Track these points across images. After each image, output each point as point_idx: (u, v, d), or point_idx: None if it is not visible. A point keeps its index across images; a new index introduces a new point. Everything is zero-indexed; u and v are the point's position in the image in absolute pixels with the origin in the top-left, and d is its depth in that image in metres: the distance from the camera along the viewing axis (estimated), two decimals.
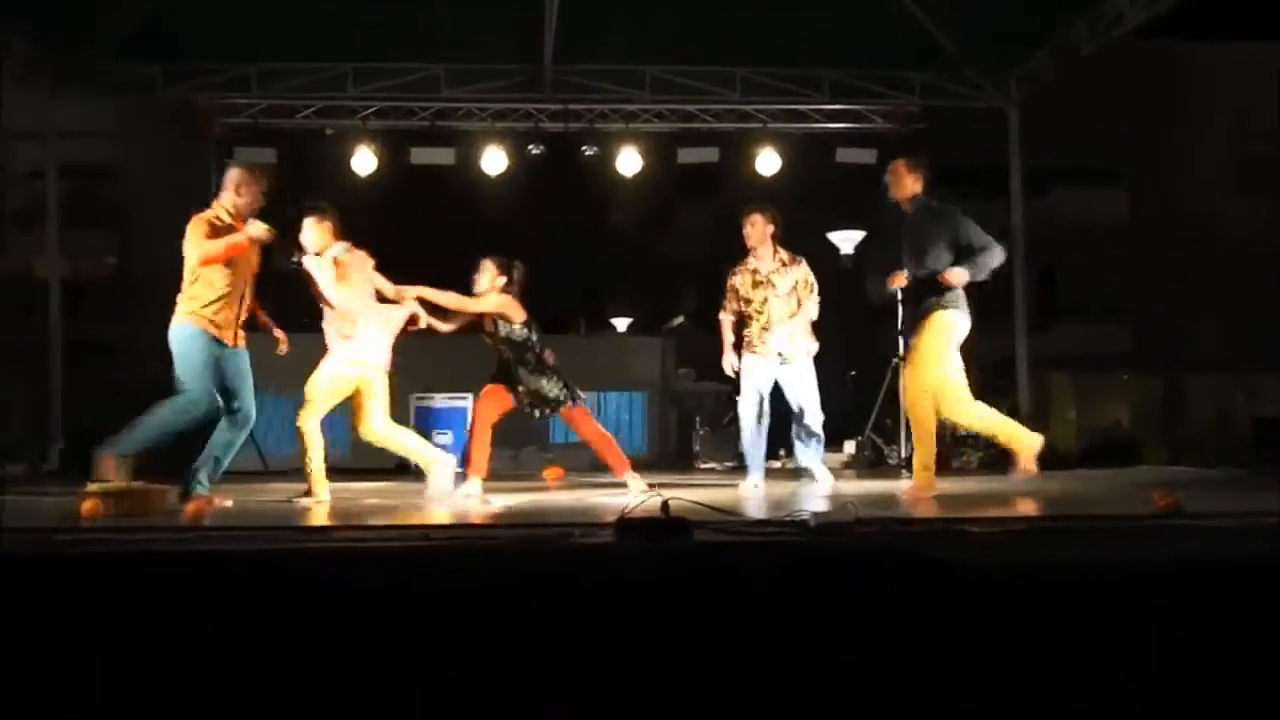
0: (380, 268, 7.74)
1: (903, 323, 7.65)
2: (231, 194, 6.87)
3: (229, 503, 6.89)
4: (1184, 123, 21.92)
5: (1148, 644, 3.62)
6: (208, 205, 6.94)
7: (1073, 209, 21.29)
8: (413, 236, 13.71)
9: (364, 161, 13.24)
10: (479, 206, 14.43)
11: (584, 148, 13.37)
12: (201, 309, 6.65)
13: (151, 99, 13.59)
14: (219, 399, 6.71)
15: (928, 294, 7.32)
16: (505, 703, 3.44)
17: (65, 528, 4.85)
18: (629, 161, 13.33)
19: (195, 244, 6.65)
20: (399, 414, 12.48)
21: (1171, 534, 4.55)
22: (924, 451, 7.39)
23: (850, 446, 12.29)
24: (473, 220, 14.24)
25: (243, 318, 6.90)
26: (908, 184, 7.45)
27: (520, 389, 7.85)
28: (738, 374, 8.35)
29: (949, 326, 7.36)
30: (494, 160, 13.25)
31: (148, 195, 23.01)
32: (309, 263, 7.49)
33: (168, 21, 12.15)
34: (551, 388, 7.85)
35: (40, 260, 18.46)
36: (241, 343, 6.90)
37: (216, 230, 6.69)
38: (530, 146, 13.25)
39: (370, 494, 7.96)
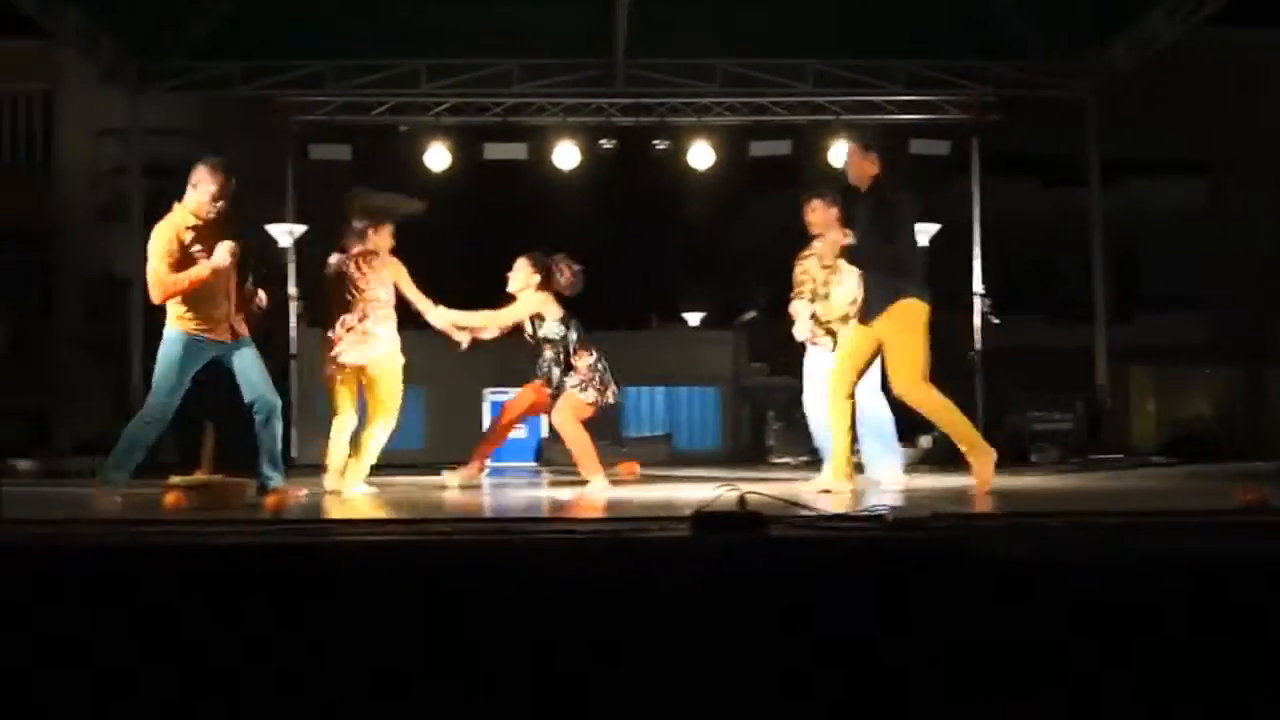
0: (452, 263, 7.81)
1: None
2: (194, 193, 6.58)
3: (303, 493, 6.96)
4: (1265, 111, 21.49)
5: (1232, 640, 3.57)
6: (282, 203, 6.95)
7: (1151, 199, 20.96)
8: (484, 232, 13.78)
9: (437, 157, 13.31)
10: (551, 201, 14.47)
11: (656, 142, 13.34)
12: (184, 314, 6.51)
13: (230, 97, 13.76)
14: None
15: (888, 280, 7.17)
16: (582, 696, 3.45)
17: (149, 520, 4.91)
18: (701, 155, 13.29)
19: (156, 272, 6.46)
20: (474, 407, 12.67)
21: (1257, 529, 4.47)
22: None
23: (925, 441, 12.18)
24: (544, 215, 14.30)
25: (237, 312, 6.73)
26: (865, 168, 7.22)
27: (551, 386, 7.85)
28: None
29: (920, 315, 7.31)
30: (566, 155, 13.26)
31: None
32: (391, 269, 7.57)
33: (247, 20, 12.34)
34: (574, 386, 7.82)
35: (121, 256, 18.76)
36: (242, 335, 6.76)
37: (183, 246, 6.45)
38: (602, 141, 13.25)
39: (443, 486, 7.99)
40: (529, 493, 7.96)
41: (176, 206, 6.60)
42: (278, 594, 3.60)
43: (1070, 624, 3.56)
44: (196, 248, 6.47)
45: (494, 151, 13.46)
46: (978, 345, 12.43)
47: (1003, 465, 11.13)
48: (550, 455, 12.54)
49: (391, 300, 7.68)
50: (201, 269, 6.39)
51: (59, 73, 23.66)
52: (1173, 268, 21.44)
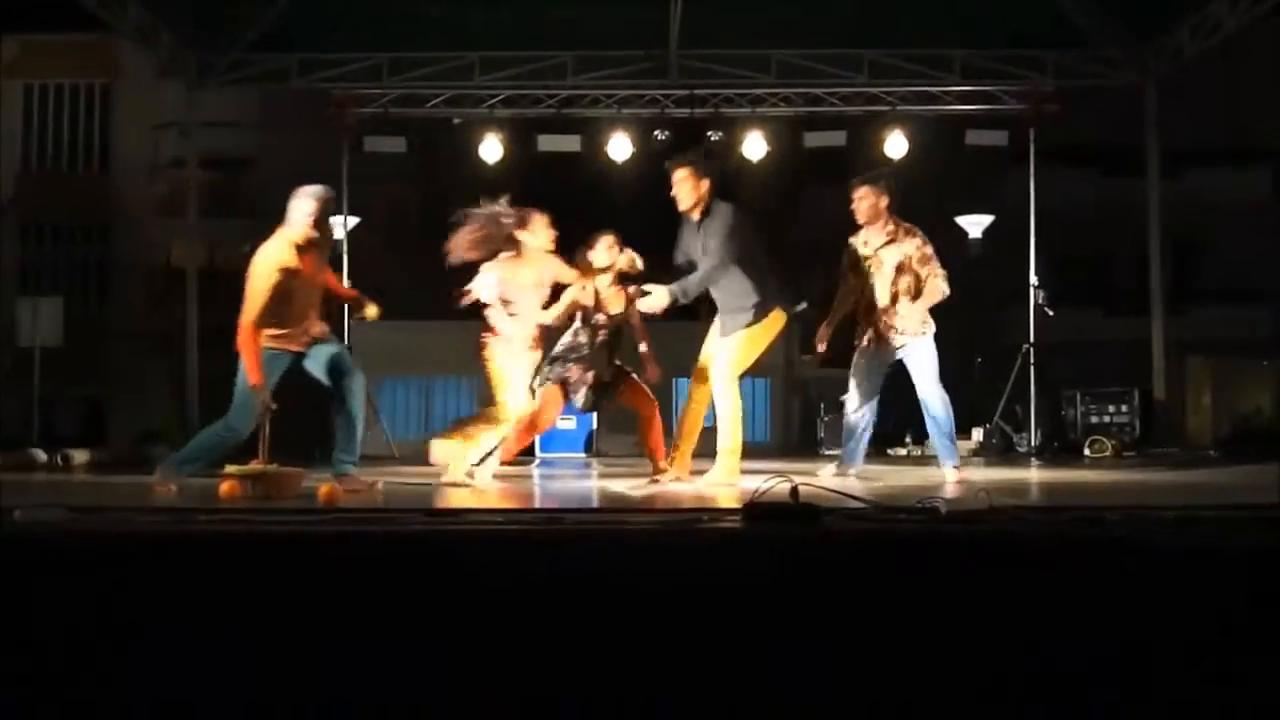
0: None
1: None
2: (293, 218, 6.68)
3: (379, 484, 6.99)
4: None
5: None
6: (337, 192, 6.92)
7: (1212, 189, 20.68)
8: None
9: (491, 149, 13.34)
10: (605, 193, 14.47)
11: (709, 133, 13.31)
12: (266, 332, 6.57)
13: (287, 90, 13.86)
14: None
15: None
16: (634, 685, 3.45)
17: (206, 509, 4.96)
18: (755, 146, 13.25)
19: (255, 301, 6.50)
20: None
21: None
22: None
23: (978, 434, 12.11)
24: (598, 207, 14.30)
25: (314, 323, 6.85)
26: (702, 189, 7.21)
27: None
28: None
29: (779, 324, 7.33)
30: (620, 147, 13.27)
31: (283, 185, 23.45)
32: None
33: (304, 13, 12.42)
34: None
35: (178, 248, 18.94)
36: (321, 336, 6.88)
37: (285, 272, 6.51)
38: (655, 133, 13.23)
39: (501, 476, 7.98)
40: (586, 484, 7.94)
41: (279, 232, 6.69)
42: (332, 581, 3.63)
43: (1125, 618, 3.53)
44: (297, 269, 6.57)
45: (548, 144, 13.49)
46: (1031, 337, 12.31)
47: (1057, 459, 11.13)
48: (600, 446, 12.59)
49: None
50: (251, 375, 6.47)
51: (117, 67, 23.96)
52: (1234, 259, 21.13)
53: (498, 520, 4.56)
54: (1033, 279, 12.52)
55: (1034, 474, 8.93)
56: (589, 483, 8.02)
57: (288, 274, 6.52)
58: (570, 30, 12.72)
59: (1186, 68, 12.77)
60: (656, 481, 7.19)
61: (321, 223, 6.74)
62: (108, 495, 6.45)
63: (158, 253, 24.31)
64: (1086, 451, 11.45)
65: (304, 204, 6.68)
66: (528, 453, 9.84)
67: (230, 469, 6.05)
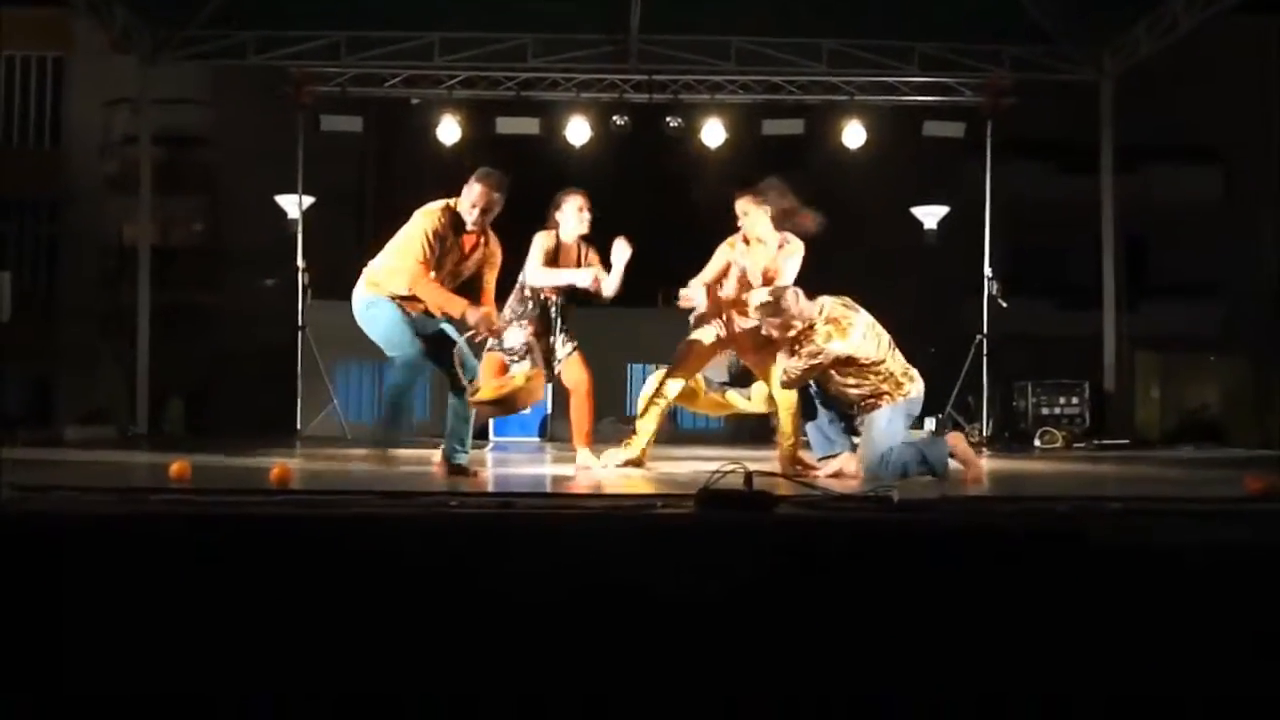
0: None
1: None
2: (464, 197, 6.76)
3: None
4: None
5: (1234, 628, 3.56)
6: (292, 171, 6.85)
7: (1165, 186, 20.82)
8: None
9: (449, 131, 13.25)
10: (563, 177, 14.38)
11: (668, 119, 13.30)
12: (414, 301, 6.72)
13: (243, 67, 13.73)
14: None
15: None
16: (590, 668, 3.45)
17: (156, 489, 4.90)
18: (713, 133, 13.24)
19: (412, 264, 6.60)
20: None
21: (1263, 518, 4.45)
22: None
23: (930, 423, 12.14)
24: (555, 191, 14.25)
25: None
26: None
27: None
28: None
29: None
30: (578, 131, 13.22)
31: (237, 163, 23.29)
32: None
33: None
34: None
35: (130, 226, 18.74)
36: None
37: (439, 240, 6.64)
38: (615, 118, 13.20)
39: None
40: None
41: (447, 201, 6.76)
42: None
43: (1074, 606, 3.56)
44: (449, 245, 6.67)
45: (506, 126, 13.43)
46: (985, 328, 12.37)
47: (1008, 448, 11.21)
48: (554, 430, 12.50)
49: None
50: (453, 305, 6.57)
51: (70, 41, 23.63)
52: (1185, 257, 21.30)
53: (452, 504, 4.54)
54: (987, 270, 12.58)
55: (985, 464, 8.97)
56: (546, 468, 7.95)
57: (438, 244, 6.60)
58: (531, 13, 12.67)
59: (1142, 65, 12.87)
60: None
61: (481, 206, 6.72)
62: (54, 474, 6.37)
63: (110, 230, 24.07)
64: (1037, 442, 11.56)
65: (472, 189, 6.72)
66: (480, 436, 9.78)
67: (481, 394, 6.45)
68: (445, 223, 6.64)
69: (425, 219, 6.64)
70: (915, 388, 6.64)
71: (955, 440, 6.64)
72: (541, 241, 7.44)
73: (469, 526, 4.01)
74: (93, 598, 3.49)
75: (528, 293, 7.45)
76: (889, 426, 6.46)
